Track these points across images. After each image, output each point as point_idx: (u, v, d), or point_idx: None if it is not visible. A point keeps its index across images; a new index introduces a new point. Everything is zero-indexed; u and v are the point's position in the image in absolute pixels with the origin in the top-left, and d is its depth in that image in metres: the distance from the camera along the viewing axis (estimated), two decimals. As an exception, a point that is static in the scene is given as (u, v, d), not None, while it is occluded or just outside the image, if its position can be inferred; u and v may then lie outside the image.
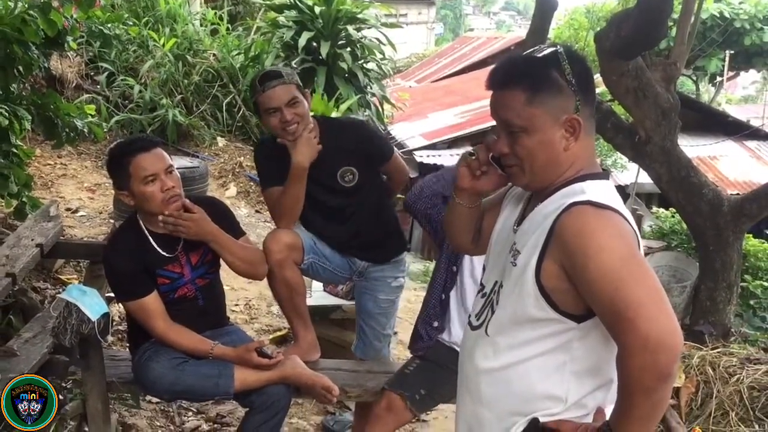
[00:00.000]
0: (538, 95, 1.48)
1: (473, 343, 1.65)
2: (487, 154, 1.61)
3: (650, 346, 1.30)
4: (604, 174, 1.58)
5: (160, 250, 2.59)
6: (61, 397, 2.65)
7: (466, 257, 2.67)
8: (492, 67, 1.57)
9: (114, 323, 3.59)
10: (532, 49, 1.55)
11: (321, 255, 3.02)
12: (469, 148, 2.59)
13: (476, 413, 1.64)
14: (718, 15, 17.36)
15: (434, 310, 2.72)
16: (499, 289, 1.59)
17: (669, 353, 1.31)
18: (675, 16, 4.51)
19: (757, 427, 2.89)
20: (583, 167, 1.54)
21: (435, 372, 2.67)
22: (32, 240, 3.28)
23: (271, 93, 2.80)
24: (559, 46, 1.52)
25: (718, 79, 19.63)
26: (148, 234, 2.58)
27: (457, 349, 2.64)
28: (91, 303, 2.41)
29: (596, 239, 1.39)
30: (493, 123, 1.61)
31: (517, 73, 1.51)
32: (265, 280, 2.96)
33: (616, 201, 1.49)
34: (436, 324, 2.72)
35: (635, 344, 1.32)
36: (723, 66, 18.40)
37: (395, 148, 3.22)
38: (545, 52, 1.51)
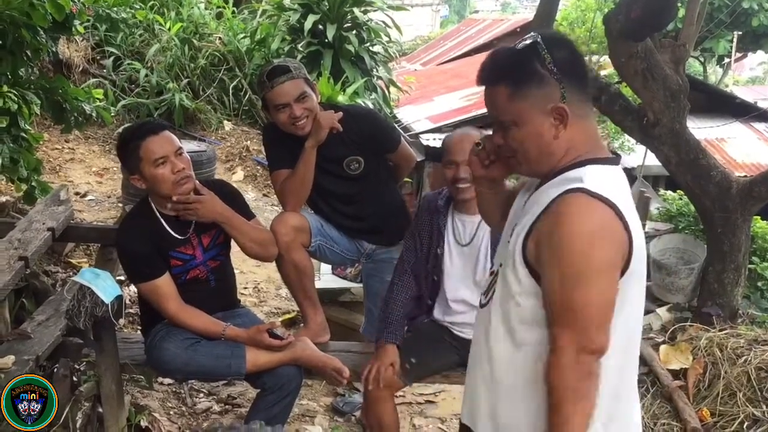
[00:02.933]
0: (520, 89, 1.50)
1: (481, 320, 1.70)
2: (493, 143, 1.65)
3: (577, 343, 1.41)
4: (611, 159, 1.57)
5: (172, 232, 2.61)
6: (75, 378, 2.68)
7: (446, 240, 2.71)
8: (481, 62, 1.60)
9: (125, 306, 3.62)
10: (516, 42, 1.56)
11: (329, 237, 3.04)
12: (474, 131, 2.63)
13: (482, 387, 1.67)
14: (725, -4, 17.21)
15: (426, 292, 2.79)
16: (499, 269, 1.64)
17: (591, 353, 1.42)
18: (684, -3, 4.48)
19: (764, 407, 2.90)
20: (582, 152, 1.54)
21: (423, 342, 2.75)
22: (43, 224, 3.31)
23: (279, 89, 2.79)
24: (538, 35, 1.51)
25: (726, 60, 19.48)
26: (160, 216, 2.61)
27: (442, 323, 2.73)
28: (105, 286, 2.43)
29: (573, 225, 1.42)
30: None
31: (499, 69, 1.54)
32: (274, 262, 2.98)
33: (615, 191, 1.48)
34: (429, 302, 2.79)
35: (562, 341, 1.42)
36: (731, 47, 18.25)
37: (402, 136, 3.24)
38: (525, 44, 1.52)
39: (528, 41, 1.52)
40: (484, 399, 1.66)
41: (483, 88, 1.58)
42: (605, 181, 1.49)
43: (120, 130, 4.90)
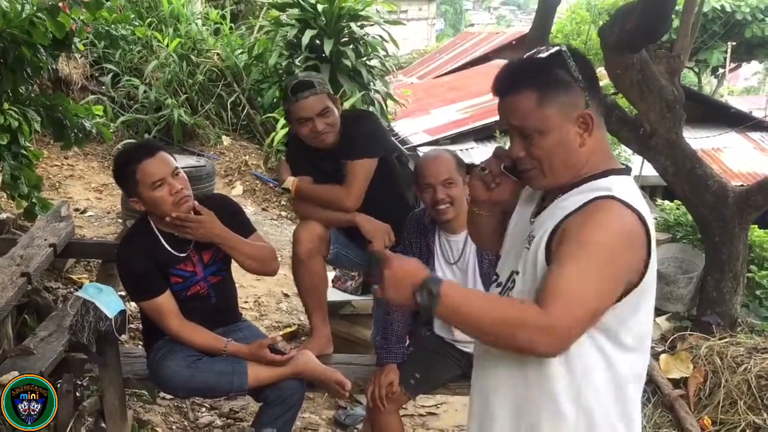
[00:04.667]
0: (549, 95, 1.49)
1: None
2: (499, 165, 1.62)
3: (551, 327, 1.38)
4: (627, 170, 1.60)
5: (172, 250, 2.62)
6: (78, 394, 2.68)
7: (436, 258, 2.72)
8: (497, 73, 1.57)
9: (128, 321, 3.63)
10: (533, 51, 1.56)
11: (344, 245, 3.07)
12: (473, 145, 2.65)
13: (491, 398, 1.66)
14: (719, 7, 17.32)
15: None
16: (515, 276, 1.61)
17: (553, 344, 1.40)
18: (678, 8, 4.53)
19: (765, 415, 2.92)
20: (600, 162, 1.55)
21: (427, 358, 2.76)
22: (45, 240, 3.32)
23: (303, 103, 2.84)
24: (562, 46, 1.54)
25: (720, 71, 19.59)
26: (159, 234, 2.61)
27: (444, 337, 2.73)
28: (108, 300, 2.44)
29: (602, 223, 1.44)
30: (496, 118, 1.62)
31: (525, 76, 1.52)
32: (281, 275, 3.00)
33: (641, 203, 1.50)
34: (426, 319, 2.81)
35: (543, 318, 1.37)
36: (725, 58, 18.35)
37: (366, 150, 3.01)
38: (550, 52, 1.52)
39: (552, 50, 1.53)
40: (509, 409, 1.62)
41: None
42: (631, 192, 1.51)
43: (115, 152, 4.87)
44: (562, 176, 1.54)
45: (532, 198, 1.69)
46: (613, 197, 1.46)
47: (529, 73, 1.52)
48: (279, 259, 2.94)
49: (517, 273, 1.59)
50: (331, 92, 2.95)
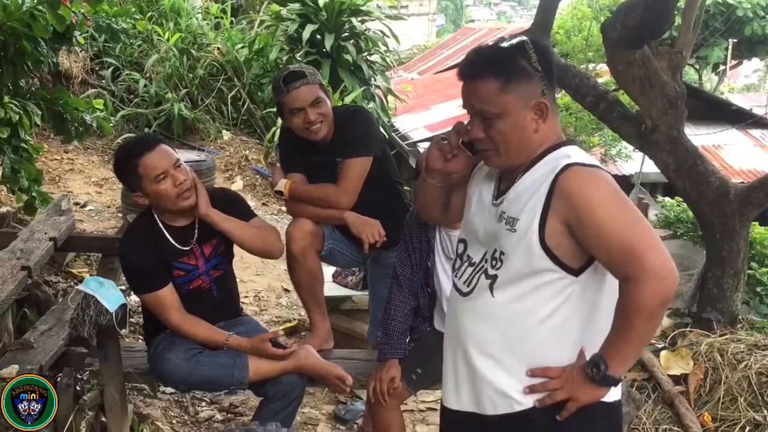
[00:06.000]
0: (510, 83, 1.61)
1: (463, 307, 1.78)
2: (458, 138, 1.73)
3: (660, 272, 1.51)
4: (572, 141, 1.75)
5: (175, 243, 2.62)
6: (78, 387, 2.68)
7: (436, 253, 2.72)
8: (463, 59, 1.69)
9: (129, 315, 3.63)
10: (497, 41, 1.70)
11: (338, 240, 3.06)
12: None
13: (473, 370, 1.76)
14: (721, 2, 17.29)
15: (424, 304, 2.79)
16: (496, 256, 1.70)
17: (673, 279, 1.53)
18: (680, 4, 4.52)
19: (765, 412, 2.91)
20: (551, 142, 1.69)
21: (427, 352, 2.73)
22: (45, 234, 3.31)
23: (295, 93, 2.82)
24: (524, 37, 1.67)
25: (721, 68, 19.56)
26: (162, 227, 2.61)
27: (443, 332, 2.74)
28: (109, 294, 2.44)
29: (599, 192, 1.58)
30: None
31: (489, 64, 1.63)
32: (281, 270, 2.99)
33: (595, 161, 1.68)
34: (428, 313, 2.80)
35: (647, 273, 1.51)
36: (725, 55, 18.33)
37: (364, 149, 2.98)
38: (514, 43, 1.65)
39: (515, 41, 1.66)
40: (500, 374, 1.72)
41: (462, 82, 1.68)
42: (585, 155, 1.67)
43: (115, 146, 4.82)
44: (517, 158, 1.68)
45: (488, 179, 1.80)
46: (575, 164, 1.61)
47: (493, 61, 1.63)
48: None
49: (503, 253, 1.67)
50: (323, 83, 2.93)
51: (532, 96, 1.63)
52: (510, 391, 1.70)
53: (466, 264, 1.79)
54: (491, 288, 1.70)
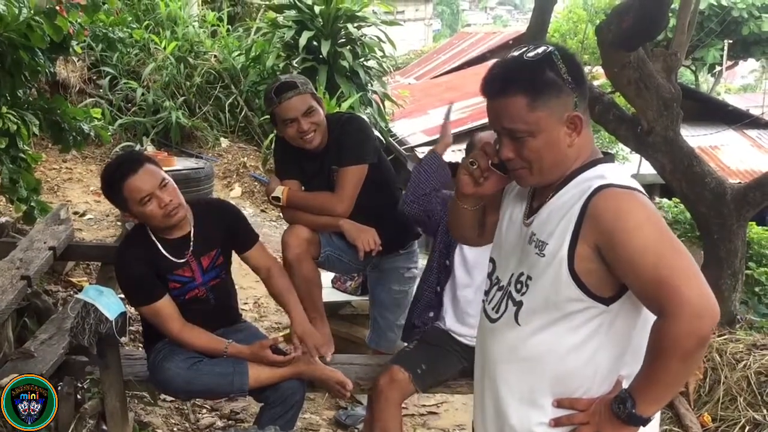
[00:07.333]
0: (540, 98, 1.49)
1: (492, 334, 1.68)
2: (487, 160, 1.63)
3: (695, 310, 1.38)
4: (609, 157, 1.63)
5: (170, 256, 2.61)
6: (79, 396, 2.69)
7: (457, 252, 2.74)
8: (486, 74, 1.57)
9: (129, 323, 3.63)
10: (521, 52, 1.54)
11: (336, 247, 3.06)
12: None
13: (498, 401, 1.67)
14: (716, 3, 17.35)
15: (430, 302, 2.82)
16: (522, 280, 1.61)
17: (711, 317, 1.39)
18: (674, 6, 4.54)
19: (765, 411, 2.92)
20: (586, 156, 1.58)
21: (433, 350, 2.76)
22: (45, 243, 3.32)
23: (287, 104, 2.84)
24: (551, 47, 1.53)
25: (717, 68, 19.61)
26: (156, 241, 2.61)
27: (452, 334, 2.75)
28: (108, 303, 2.45)
29: (633, 217, 1.45)
30: None
31: (515, 79, 1.51)
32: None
33: (632, 181, 1.54)
34: (431, 314, 2.81)
35: (682, 309, 1.38)
36: (721, 56, 18.38)
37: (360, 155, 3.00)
38: (539, 55, 1.51)
39: (540, 52, 1.51)
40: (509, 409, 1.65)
41: (480, 96, 1.57)
42: (621, 174, 1.54)
43: (113, 155, 4.80)
44: (551, 175, 1.57)
45: (520, 196, 1.70)
46: (610, 185, 1.49)
47: (519, 76, 1.51)
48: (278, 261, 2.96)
49: (531, 278, 1.58)
50: (315, 92, 2.95)
51: (564, 110, 1.51)
52: (534, 426, 1.61)
53: (496, 288, 1.71)
54: (516, 316, 1.61)
